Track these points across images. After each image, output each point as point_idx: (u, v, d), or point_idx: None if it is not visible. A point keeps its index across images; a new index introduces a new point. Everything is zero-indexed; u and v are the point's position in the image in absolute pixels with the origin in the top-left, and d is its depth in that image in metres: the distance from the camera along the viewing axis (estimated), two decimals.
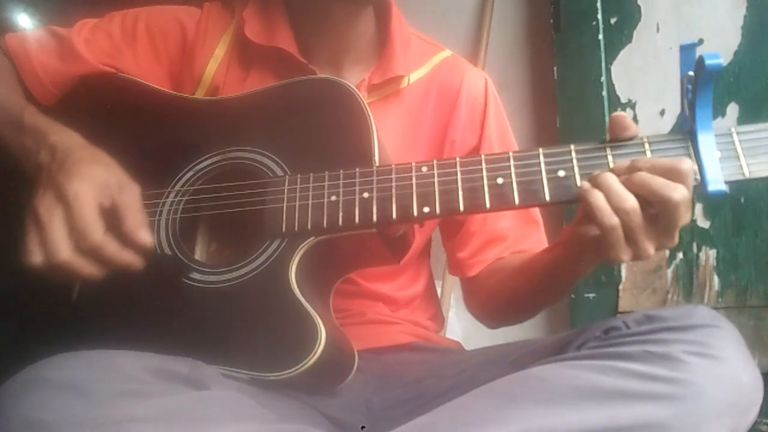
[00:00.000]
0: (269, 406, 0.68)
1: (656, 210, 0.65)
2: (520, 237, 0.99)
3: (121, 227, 0.74)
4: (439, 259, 1.29)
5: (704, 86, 0.66)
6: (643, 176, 0.65)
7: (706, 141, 0.67)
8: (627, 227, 0.65)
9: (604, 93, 1.67)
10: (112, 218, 0.73)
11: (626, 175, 0.67)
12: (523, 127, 1.83)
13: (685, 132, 0.69)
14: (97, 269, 0.72)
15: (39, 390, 0.57)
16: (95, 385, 0.58)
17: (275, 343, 0.72)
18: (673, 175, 0.64)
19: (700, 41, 1.61)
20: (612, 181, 0.66)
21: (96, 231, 0.71)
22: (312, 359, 0.69)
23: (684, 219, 0.65)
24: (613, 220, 0.65)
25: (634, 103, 1.67)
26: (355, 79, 0.95)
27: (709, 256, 1.56)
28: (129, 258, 0.74)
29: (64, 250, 0.70)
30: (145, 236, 0.75)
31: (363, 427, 0.82)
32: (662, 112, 1.64)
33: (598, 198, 0.66)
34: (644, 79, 1.66)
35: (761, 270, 1.51)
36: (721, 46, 1.56)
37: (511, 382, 0.65)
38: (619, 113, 0.70)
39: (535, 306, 0.95)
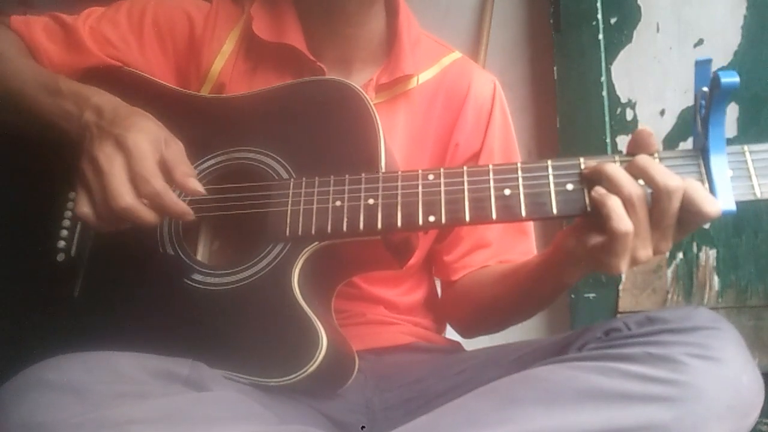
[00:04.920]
0: (270, 407, 0.68)
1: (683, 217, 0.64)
2: (507, 246, 0.98)
3: (172, 178, 0.75)
4: None
5: (719, 104, 0.64)
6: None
7: (719, 160, 0.65)
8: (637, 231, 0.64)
9: (604, 93, 1.66)
10: (162, 171, 0.75)
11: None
12: (523, 127, 1.82)
13: (697, 149, 0.67)
14: (155, 217, 0.73)
15: (38, 391, 0.57)
16: (94, 387, 0.58)
17: (276, 349, 0.72)
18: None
19: (700, 41, 1.61)
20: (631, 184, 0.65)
21: (158, 176, 0.72)
22: (313, 366, 0.69)
23: None
24: (629, 226, 0.64)
25: (634, 103, 1.67)
26: (364, 78, 0.94)
27: (709, 256, 1.56)
28: (185, 207, 0.74)
29: (126, 195, 0.71)
30: (195, 185, 0.75)
31: (363, 428, 0.82)
32: (662, 112, 1.63)
33: (616, 204, 0.64)
34: (644, 79, 1.66)
35: (761, 270, 1.51)
36: (721, 46, 1.56)
37: (512, 383, 0.65)
38: (646, 129, 0.68)
39: (512, 316, 0.94)
